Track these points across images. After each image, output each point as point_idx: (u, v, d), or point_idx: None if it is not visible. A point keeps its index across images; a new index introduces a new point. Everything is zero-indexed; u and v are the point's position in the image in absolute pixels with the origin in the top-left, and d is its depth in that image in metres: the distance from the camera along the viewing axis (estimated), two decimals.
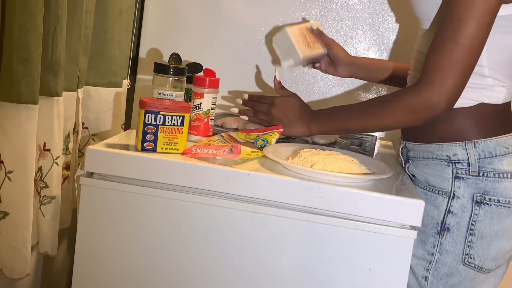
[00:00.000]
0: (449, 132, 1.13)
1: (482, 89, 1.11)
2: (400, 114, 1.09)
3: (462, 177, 1.12)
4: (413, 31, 1.26)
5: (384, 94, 1.74)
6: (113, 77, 1.58)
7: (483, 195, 1.11)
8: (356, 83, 1.74)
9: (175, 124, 1.12)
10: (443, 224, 1.13)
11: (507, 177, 1.10)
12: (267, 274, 1.10)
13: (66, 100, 1.32)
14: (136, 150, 1.12)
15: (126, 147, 1.15)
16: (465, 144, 1.12)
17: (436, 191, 1.15)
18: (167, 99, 1.16)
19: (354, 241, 1.06)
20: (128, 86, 1.69)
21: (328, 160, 1.11)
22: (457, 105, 1.07)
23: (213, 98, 1.26)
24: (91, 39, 1.46)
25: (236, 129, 1.38)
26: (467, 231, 1.12)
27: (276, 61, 1.72)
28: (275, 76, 1.34)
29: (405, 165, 1.26)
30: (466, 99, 1.10)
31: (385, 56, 1.73)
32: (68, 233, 1.53)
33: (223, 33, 1.75)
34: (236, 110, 1.37)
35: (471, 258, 1.12)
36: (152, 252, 1.12)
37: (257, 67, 1.76)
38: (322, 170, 1.08)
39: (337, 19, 1.72)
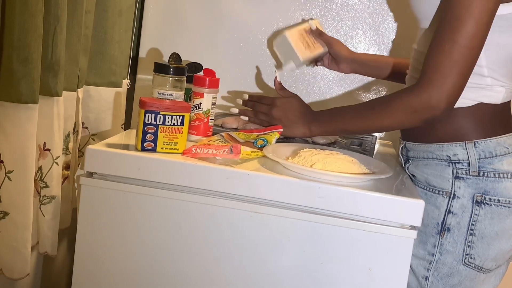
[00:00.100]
0: (449, 132, 1.13)
1: (481, 89, 1.11)
2: (400, 114, 1.09)
3: (462, 177, 1.12)
4: (413, 31, 1.26)
5: (383, 93, 1.75)
6: (113, 77, 1.58)
7: (484, 195, 1.11)
8: (356, 83, 1.74)
9: (175, 124, 1.12)
10: (444, 224, 1.13)
11: (507, 177, 1.10)
12: (267, 274, 1.10)
13: (66, 100, 1.32)
14: (136, 150, 1.12)
15: (126, 147, 1.15)
16: (465, 144, 1.12)
17: (436, 191, 1.15)
18: (167, 99, 1.16)
19: (354, 241, 1.06)
20: (128, 86, 1.69)
21: (328, 160, 1.11)
22: (457, 105, 1.07)
23: (213, 98, 1.26)
24: (91, 39, 1.46)
25: (236, 129, 1.38)
26: (467, 231, 1.12)
27: (278, 64, 1.72)
28: (275, 77, 1.35)
29: (405, 165, 1.26)
30: (466, 99, 1.10)
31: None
32: (68, 233, 1.53)
33: (223, 33, 1.75)
34: (236, 111, 1.37)
35: (471, 258, 1.12)
36: (152, 252, 1.12)
37: (257, 67, 1.76)
38: (322, 170, 1.08)
39: (337, 19, 1.72)
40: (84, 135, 1.55)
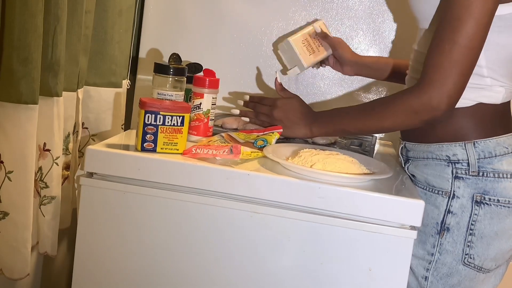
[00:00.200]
0: (449, 132, 1.13)
1: (481, 89, 1.11)
2: (401, 115, 1.09)
3: (462, 177, 1.12)
4: (413, 31, 1.26)
5: (383, 94, 1.75)
6: (113, 77, 1.58)
7: (483, 195, 1.11)
8: (356, 83, 1.75)
9: (175, 124, 1.12)
10: (443, 224, 1.13)
11: (507, 177, 1.10)
12: (267, 274, 1.10)
13: (66, 100, 1.32)
14: (136, 150, 1.12)
15: (126, 147, 1.15)
16: (464, 144, 1.12)
17: (436, 191, 1.15)
18: (167, 99, 1.16)
19: (354, 241, 1.06)
20: (128, 86, 1.69)
21: (328, 160, 1.11)
22: (457, 105, 1.07)
23: (213, 98, 1.27)
24: (91, 39, 1.46)
25: (236, 129, 1.38)
26: (467, 231, 1.12)
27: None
28: (276, 78, 1.35)
29: (404, 165, 1.26)
30: (465, 99, 1.10)
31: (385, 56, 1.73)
32: (68, 233, 1.53)
33: (223, 33, 1.75)
34: (237, 112, 1.37)
35: (471, 258, 1.12)
36: (152, 252, 1.12)
37: (257, 68, 1.76)
38: (322, 170, 1.08)
39: (337, 19, 1.72)
40: (84, 135, 1.55)
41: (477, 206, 1.11)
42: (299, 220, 1.07)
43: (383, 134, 1.74)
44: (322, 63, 1.52)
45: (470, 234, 1.12)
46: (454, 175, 1.13)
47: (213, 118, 1.29)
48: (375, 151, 1.42)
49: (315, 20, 1.51)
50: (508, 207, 1.11)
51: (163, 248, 1.12)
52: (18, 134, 1.16)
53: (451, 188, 1.13)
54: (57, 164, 1.29)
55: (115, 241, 1.12)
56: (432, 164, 1.16)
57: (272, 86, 1.75)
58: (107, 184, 1.11)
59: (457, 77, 1.02)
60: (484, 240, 1.12)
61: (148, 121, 1.10)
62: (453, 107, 1.05)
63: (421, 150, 1.19)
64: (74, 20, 1.31)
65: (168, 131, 1.11)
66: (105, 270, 1.14)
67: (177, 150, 1.13)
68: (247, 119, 1.35)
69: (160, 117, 1.10)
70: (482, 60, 1.08)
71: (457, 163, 1.13)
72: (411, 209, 1.04)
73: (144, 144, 1.11)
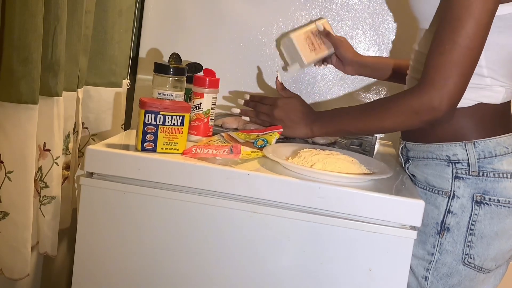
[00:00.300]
0: (449, 132, 1.13)
1: (481, 89, 1.11)
2: (402, 116, 1.09)
3: (462, 177, 1.12)
4: (413, 31, 1.26)
5: (383, 94, 1.75)
6: (113, 77, 1.58)
7: (483, 195, 1.11)
8: (356, 83, 1.74)
9: (175, 124, 1.12)
10: (443, 224, 1.13)
11: (507, 177, 1.10)
12: (267, 274, 1.10)
13: (66, 100, 1.32)
14: (136, 150, 1.12)
15: (126, 147, 1.15)
16: (464, 144, 1.12)
17: (436, 191, 1.15)
18: (167, 99, 1.16)
19: (354, 241, 1.06)
20: (128, 86, 1.69)
21: (328, 160, 1.11)
22: None
23: (213, 98, 1.26)
24: (91, 39, 1.46)
25: (236, 129, 1.38)
26: (467, 231, 1.12)
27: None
28: (277, 77, 1.35)
29: (405, 165, 1.26)
30: (465, 99, 1.10)
31: (385, 56, 1.73)
32: (68, 233, 1.53)
33: (223, 33, 1.75)
34: (237, 111, 1.37)
35: (471, 258, 1.12)
36: (152, 252, 1.12)
37: (258, 68, 1.76)
38: (322, 170, 1.08)
39: (337, 19, 1.72)
40: (84, 135, 1.55)
41: (477, 206, 1.11)
42: (299, 220, 1.07)
43: (383, 134, 1.74)
44: (324, 61, 1.52)
45: (470, 234, 1.12)
46: (454, 175, 1.13)
47: (213, 118, 1.29)
48: (375, 151, 1.42)
49: (319, 19, 1.50)
50: (508, 207, 1.11)
51: (163, 248, 1.12)
52: (18, 134, 1.16)
53: (451, 188, 1.13)
54: (57, 164, 1.29)
55: (115, 241, 1.12)
56: (432, 164, 1.16)
57: (272, 86, 1.76)
58: (107, 184, 1.11)
59: (457, 78, 1.02)
60: (484, 240, 1.12)
61: (148, 121, 1.10)
62: (454, 107, 1.05)
63: (421, 150, 1.19)
64: (74, 20, 1.31)
65: (168, 131, 1.11)
66: (105, 270, 1.14)
67: (177, 150, 1.13)
68: (247, 119, 1.35)
69: (160, 117, 1.10)
70: (482, 60, 1.08)
71: (457, 163, 1.13)
72: (411, 209, 1.04)
73: (144, 144, 1.11)
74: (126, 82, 1.67)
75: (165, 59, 1.45)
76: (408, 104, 1.07)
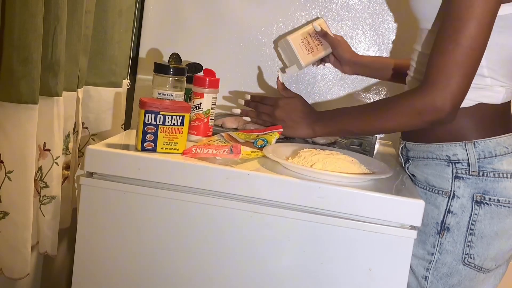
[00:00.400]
0: (449, 132, 1.13)
1: (481, 89, 1.11)
2: (405, 116, 1.08)
3: (462, 177, 1.12)
4: (413, 31, 1.26)
5: (383, 93, 1.75)
6: (113, 77, 1.58)
7: (483, 195, 1.11)
8: (356, 83, 1.74)
9: (175, 124, 1.12)
10: (443, 224, 1.13)
11: (507, 177, 1.10)
12: (267, 274, 1.10)
13: (66, 100, 1.32)
14: (136, 150, 1.12)
15: (126, 147, 1.15)
16: (465, 144, 1.12)
17: (436, 191, 1.15)
18: (167, 99, 1.16)
19: (354, 241, 1.06)
20: (128, 86, 1.69)
21: (328, 160, 1.11)
22: None
23: (213, 98, 1.27)
24: (91, 39, 1.46)
25: (236, 129, 1.38)
26: (467, 231, 1.12)
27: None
28: (278, 77, 1.35)
29: (405, 165, 1.26)
30: (466, 99, 1.09)
31: (385, 56, 1.73)
32: (68, 233, 1.53)
33: (223, 33, 1.75)
34: (238, 111, 1.37)
35: (471, 258, 1.12)
36: (152, 252, 1.12)
37: (258, 67, 1.76)
38: (322, 170, 1.08)
39: (337, 19, 1.72)
40: (84, 135, 1.55)
41: (477, 206, 1.11)
42: (299, 220, 1.07)
43: (384, 134, 1.74)
44: (322, 61, 1.52)
45: (470, 234, 1.12)
46: (454, 175, 1.13)
47: (213, 118, 1.29)
48: (375, 151, 1.42)
49: (316, 19, 1.50)
50: (508, 207, 1.11)
51: (163, 248, 1.12)
52: (18, 134, 1.16)
53: (451, 188, 1.13)
54: (57, 164, 1.29)
55: (115, 241, 1.12)
56: (432, 164, 1.16)
57: (272, 86, 1.76)
58: (107, 184, 1.11)
59: (460, 78, 1.02)
60: (484, 240, 1.12)
61: (148, 121, 1.10)
62: (457, 108, 1.05)
63: (421, 150, 1.19)
64: (74, 20, 1.31)
65: (168, 131, 1.11)
66: (105, 270, 1.14)
67: (177, 150, 1.13)
68: (248, 119, 1.34)
69: (160, 117, 1.10)
70: (482, 60, 1.08)
71: (457, 163, 1.13)
72: (411, 209, 1.04)
73: (144, 144, 1.11)
74: (126, 82, 1.67)
75: (165, 59, 1.45)
76: (411, 104, 1.07)
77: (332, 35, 1.47)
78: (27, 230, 1.21)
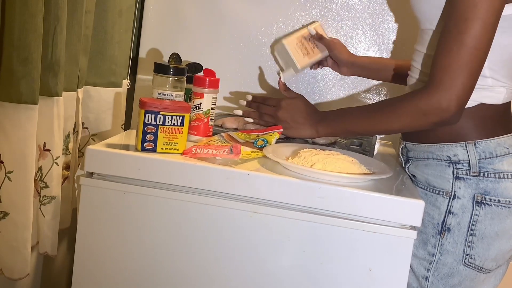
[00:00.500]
0: (450, 132, 1.13)
1: (482, 89, 1.11)
2: (410, 117, 1.08)
3: (463, 178, 1.12)
4: (413, 31, 1.26)
5: (383, 94, 1.74)
6: (113, 77, 1.58)
7: (484, 196, 1.11)
8: (356, 83, 1.74)
9: (175, 124, 1.12)
10: (444, 225, 1.13)
11: (507, 178, 1.10)
12: (267, 274, 1.10)
13: (66, 100, 1.32)
14: (136, 150, 1.12)
15: (126, 147, 1.15)
16: (465, 145, 1.12)
17: (437, 192, 1.15)
18: (167, 99, 1.16)
19: (354, 241, 1.06)
20: (128, 86, 1.69)
21: (328, 160, 1.11)
22: None
23: (213, 98, 1.26)
24: (91, 39, 1.46)
25: (236, 129, 1.38)
26: (467, 231, 1.12)
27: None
28: (279, 78, 1.35)
29: (405, 165, 1.25)
30: None
31: (385, 57, 1.73)
32: (68, 233, 1.53)
33: (223, 33, 1.75)
34: (240, 112, 1.37)
35: (471, 258, 1.12)
36: (152, 252, 1.12)
37: (260, 68, 1.76)
38: (322, 170, 1.08)
39: (337, 19, 1.72)
40: (84, 135, 1.55)
41: (478, 206, 1.11)
42: (299, 220, 1.07)
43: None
44: (319, 64, 1.52)
45: (471, 234, 1.12)
46: (455, 176, 1.13)
47: (213, 118, 1.29)
48: (375, 151, 1.42)
49: (312, 22, 1.50)
50: (509, 207, 1.11)
51: (163, 248, 1.11)
52: (18, 134, 1.16)
53: (452, 189, 1.13)
54: (57, 164, 1.29)
55: (115, 241, 1.12)
56: (432, 165, 1.16)
57: (272, 86, 1.75)
58: (107, 184, 1.11)
59: (465, 79, 1.02)
60: (485, 241, 1.12)
61: (148, 121, 1.10)
62: (463, 108, 1.04)
63: (421, 150, 1.18)
64: (74, 20, 1.31)
65: (168, 131, 1.11)
66: (105, 270, 1.14)
67: (177, 150, 1.13)
68: (250, 120, 1.34)
69: (160, 117, 1.10)
70: None
71: (458, 163, 1.12)
72: (411, 209, 1.04)
73: (144, 144, 1.11)
74: (126, 82, 1.67)
75: (165, 59, 1.45)
76: (416, 105, 1.06)
77: (327, 38, 1.47)
78: (27, 230, 1.21)
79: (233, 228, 1.09)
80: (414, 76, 1.21)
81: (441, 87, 1.03)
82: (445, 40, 1.04)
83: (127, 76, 1.68)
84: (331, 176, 1.07)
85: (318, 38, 1.45)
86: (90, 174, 1.12)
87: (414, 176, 1.22)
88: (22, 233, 1.21)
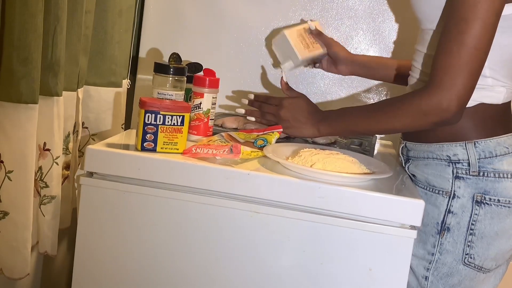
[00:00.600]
0: (449, 132, 1.13)
1: (482, 89, 1.11)
2: (410, 117, 1.08)
3: (463, 177, 1.12)
4: (413, 31, 1.26)
5: (383, 93, 1.74)
6: (113, 77, 1.58)
7: (483, 195, 1.11)
8: (356, 83, 1.74)
9: (175, 124, 1.12)
10: (443, 224, 1.13)
11: (507, 177, 1.10)
12: (267, 274, 1.10)
13: (66, 100, 1.32)
14: (136, 150, 1.12)
15: (126, 147, 1.15)
16: (465, 144, 1.12)
17: (437, 191, 1.15)
18: (167, 99, 1.16)
19: (354, 241, 1.06)
20: (128, 86, 1.69)
21: (328, 160, 1.11)
22: None
23: (213, 98, 1.26)
24: (91, 39, 1.46)
25: (236, 129, 1.38)
26: (467, 231, 1.12)
27: (276, 63, 1.72)
28: (281, 77, 1.33)
29: (405, 165, 1.26)
30: None
31: (385, 56, 1.73)
32: (68, 233, 1.53)
33: (223, 33, 1.75)
34: (242, 111, 1.36)
35: (471, 258, 1.12)
36: (152, 252, 1.12)
37: (260, 68, 1.76)
38: (322, 169, 1.08)
39: (337, 19, 1.72)
40: (84, 135, 1.55)
41: (478, 206, 1.11)
42: (299, 220, 1.07)
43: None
44: (315, 63, 1.48)
45: (471, 234, 1.12)
46: (454, 175, 1.13)
47: (213, 117, 1.29)
48: (375, 151, 1.42)
49: (310, 20, 1.48)
50: (509, 207, 1.11)
51: (163, 248, 1.11)
52: (18, 134, 1.16)
53: (452, 188, 1.13)
54: (57, 163, 1.29)
55: (115, 241, 1.12)
56: (432, 164, 1.16)
57: (272, 86, 1.76)
58: (107, 184, 1.11)
59: (466, 79, 1.02)
60: (485, 240, 1.12)
61: (148, 120, 1.10)
62: (463, 108, 1.04)
63: (421, 149, 1.18)
64: (74, 20, 1.31)
65: (168, 131, 1.11)
66: (105, 270, 1.14)
67: (177, 149, 1.13)
68: (253, 119, 1.34)
69: (160, 117, 1.10)
70: None
71: (458, 163, 1.12)
72: (411, 209, 1.04)
73: (144, 144, 1.11)
74: (126, 82, 1.67)
75: (165, 59, 1.45)
76: (417, 105, 1.06)
77: (327, 35, 1.46)
78: (27, 230, 1.21)
79: (233, 228, 1.09)
80: (415, 76, 1.21)
81: (441, 87, 1.03)
82: (445, 40, 1.04)
83: (127, 76, 1.68)
84: (331, 176, 1.07)
85: (317, 34, 1.43)
86: (90, 174, 1.12)
87: (414, 175, 1.22)
88: (22, 233, 1.21)
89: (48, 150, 1.27)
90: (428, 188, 1.16)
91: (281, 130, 1.25)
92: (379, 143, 1.63)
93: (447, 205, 1.13)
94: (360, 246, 1.06)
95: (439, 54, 1.04)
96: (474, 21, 1.00)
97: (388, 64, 1.45)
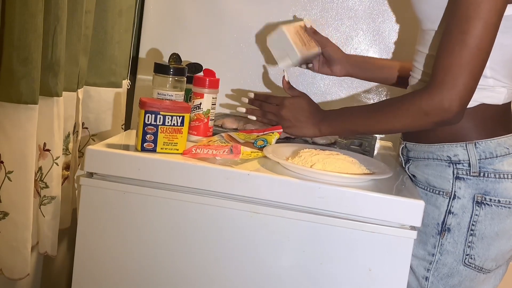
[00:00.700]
0: (450, 132, 1.13)
1: (483, 89, 1.11)
2: (412, 117, 1.08)
3: (463, 178, 1.12)
4: (413, 32, 1.26)
5: (383, 94, 1.74)
6: (113, 77, 1.58)
7: (484, 196, 1.11)
8: (356, 83, 1.74)
9: (175, 124, 1.12)
10: (444, 225, 1.13)
11: (507, 178, 1.10)
12: (267, 274, 1.10)
13: (66, 100, 1.32)
14: (136, 150, 1.12)
15: (126, 147, 1.15)
16: (465, 145, 1.12)
17: (437, 192, 1.15)
18: (167, 99, 1.16)
19: (354, 241, 1.06)
20: (128, 86, 1.69)
21: (328, 160, 1.11)
22: None
23: (213, 98, 1.26)
24: (91, 39, 1.46)
25: (236, 129, 1.38)
26: (467, 231, 1.12)
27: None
28: (283, 76, 1.32)
29: (405, 165, 1.25)
30: None
31: (385, 57, 1.73)
32: (68, 233, 1.53)
33: (223, 33, 1.75)
34: (243, 110, 1.35)
35: (471, 258, 1.12)
36: (152, 252, 1.12)
37: (258, 68, 1.76)
38: (322, 170, 1.08)
39: (337, 19, 1.72)
40: (84, 135, 1.55)
41: (478, 206, 1.11)
42: (299, 220, 1.07)
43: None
44: (308, 63, 1.43)
45: (471, 234, 1.12)
46: (455, 176, 1.13)
47: (213, 118, 1.29)
48: (375, 151, 1.42)
49: (303, 18, 1.44)
50: (509, 207, 1.11)
51: (163, 248, 1.11)
52: (18, 134, 1.16)
53: (452, 189, 1.13)
54: (57, 164, 1.29)
55: (115, 241, 1.12)
56: (433, 165, 1.16)
57: (272, 86, 1.76)
58: (107, 184, 1.11)
59: (467, 79, 1.02)
60: (485, 241, 1.12)
61: (148, 121, 1.10)
62: (465, 108, 1.04)
63: (422, 150, 1.18)
64: (74, 20, 1.31)
65: (168, 131, 1.11)
66: (105, 270, 1.14)
67: (177, 150, 1.13)
68: (253, 118, 1.33)
69: (160, 117, 1.10)
70: None
71: (458, 163, 1.12)
72: (411, 209, 1.04)
73: (144, 144, 1.11)
74: (126, 82, 1.67)
75: (165, 59, 1.45)
76: (418, 105, 1.06)
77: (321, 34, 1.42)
78: (27, 230, 1.21)
79: (233, 228, 1.09)
80: (416, 76, 1.21)
81: (443, 87, 1.03)
82: (447, 40, 1.04)
83: (127, 76, 1.68)
84: (331, 176, 1.07)
85: (312, 33, 1.41)
86: (90, 174, 1.12)
87: (414, 176, 1.22)
88: (22, 233, 1.21)
89: (48, 150, 1.27)
90: (428, 189, 1.16)
91: (281, 130, 1.25)
92: (379, 144, 1.63)
93: (448, 205, 1.13)
94: (360, 246, 1.06)
95: (441, 54, 1.04)
96: (476, 21, 1.00)
97: (385, 66, 1.43)
